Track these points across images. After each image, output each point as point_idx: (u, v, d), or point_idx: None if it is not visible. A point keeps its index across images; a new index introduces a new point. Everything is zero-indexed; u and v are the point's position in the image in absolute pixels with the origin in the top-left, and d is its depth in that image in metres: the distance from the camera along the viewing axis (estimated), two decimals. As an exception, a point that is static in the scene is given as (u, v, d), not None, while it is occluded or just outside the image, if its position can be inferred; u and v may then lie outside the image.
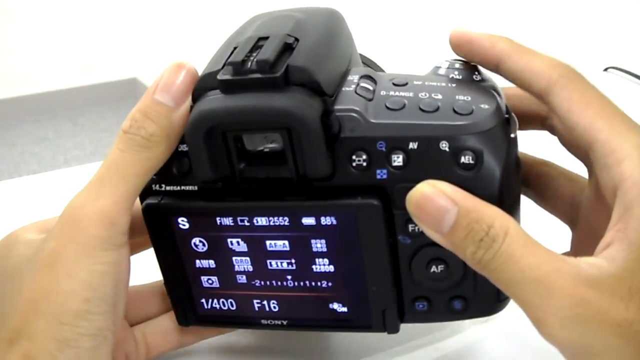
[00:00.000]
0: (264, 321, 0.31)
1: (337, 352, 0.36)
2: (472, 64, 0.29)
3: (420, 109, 0.27)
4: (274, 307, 0.31)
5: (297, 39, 0.28)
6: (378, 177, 0.27)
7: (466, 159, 0.26)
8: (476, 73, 0.29)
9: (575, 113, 0.26)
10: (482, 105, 0.27)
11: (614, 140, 0.25)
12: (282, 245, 0.29)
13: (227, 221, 0.29)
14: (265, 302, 0.31)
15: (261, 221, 0.28)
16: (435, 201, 0.24)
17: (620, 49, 0.87)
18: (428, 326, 0.35)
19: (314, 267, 0.29)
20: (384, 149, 0.26)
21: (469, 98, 0.27)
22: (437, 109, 0.27)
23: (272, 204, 0.28)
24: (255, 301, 0.31)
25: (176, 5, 2.56)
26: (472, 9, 1.27)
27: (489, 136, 0.26)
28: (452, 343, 0.36)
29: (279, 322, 0.31)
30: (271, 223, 0.28)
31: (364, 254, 0.28)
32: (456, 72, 0.29)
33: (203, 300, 0.31)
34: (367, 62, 0.34)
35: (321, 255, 0.29)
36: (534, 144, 0.33)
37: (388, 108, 0.27)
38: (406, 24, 1.46)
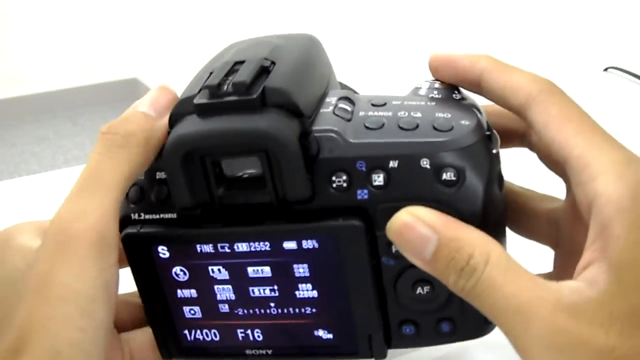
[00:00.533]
0: (248, 351, 0.30)
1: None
2: (452, 84, 0.29)
3: (400, 127, 0.26)
4: (258, 337, 0.30)
5: (273, 63, 0.27)
6: (359, 197, 0.26)
7: (448, 175, 0.25)
8: (456, 92, 0.29)
9: (551, 129, 0.25)
10: (463, 122, 0.26)
11: (588, 156, 0.24)
12: (264, 271, 0.28)
13: (208, 248, 0.28)
14: (249, 332, 0.30)
15: (242, 247, 0.28)
16: (416, 230, 0.24)
17: (620, 49, 0.86)
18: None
19: (297, 293, 0.28)
20: (364, 168, 0.26)
21: (449, 115, 0.27)
22: (417, 126, 0.26)
23: (252, 229, 0.28)
24: (239, 331, 0.30)
25: (176, 5, 2.56)
26: (467, 16, 1.27)
27: (470, 152, 0.26)
28: (452, 343, 0.35)
29: (264, 352, 0.30)
30: (252, 249, 0.28)
31: (347, 277, 0.28)
32: (436, 92, 0.28)
33: (186, 332, 0.31)
34: (346, 89, 0.34)
35: (304, 280, 0.28)
36: (514, 162, 0.33)
37: (367, 128, 0.27)
38: (385, 51, 1.45)
